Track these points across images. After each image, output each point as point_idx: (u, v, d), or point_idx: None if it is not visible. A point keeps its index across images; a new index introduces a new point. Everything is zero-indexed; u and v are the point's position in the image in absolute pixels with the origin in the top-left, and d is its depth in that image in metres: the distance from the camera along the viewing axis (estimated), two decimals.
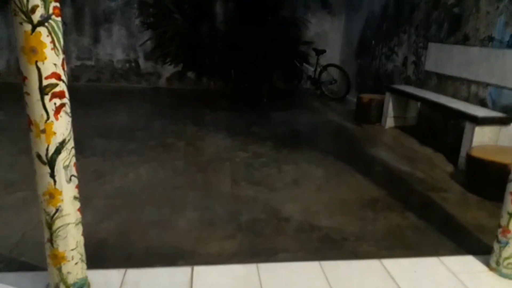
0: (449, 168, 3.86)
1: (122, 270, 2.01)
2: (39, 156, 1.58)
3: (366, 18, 7.10)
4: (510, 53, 3.75)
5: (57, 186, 1.61)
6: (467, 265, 2.21)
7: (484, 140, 3.63)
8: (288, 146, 4.39)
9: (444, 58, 4.79)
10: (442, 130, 4.76)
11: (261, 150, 4.21)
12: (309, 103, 7.12)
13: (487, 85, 4.06)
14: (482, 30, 4.17)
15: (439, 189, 3.36)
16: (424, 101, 4.68)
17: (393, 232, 2.62)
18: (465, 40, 4.43)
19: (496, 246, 2.12)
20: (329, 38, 8.18)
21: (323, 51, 7.64)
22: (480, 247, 2.42)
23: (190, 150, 4.20)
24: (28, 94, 1.50)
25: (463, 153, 3.73)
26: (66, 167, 1.62)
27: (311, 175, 3.61)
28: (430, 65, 5.09)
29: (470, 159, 3.35)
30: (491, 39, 4.03)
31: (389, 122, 5.33)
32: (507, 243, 2.06)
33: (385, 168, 3.91)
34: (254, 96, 7.46)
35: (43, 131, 1.54)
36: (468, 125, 3.73)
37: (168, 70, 8.00)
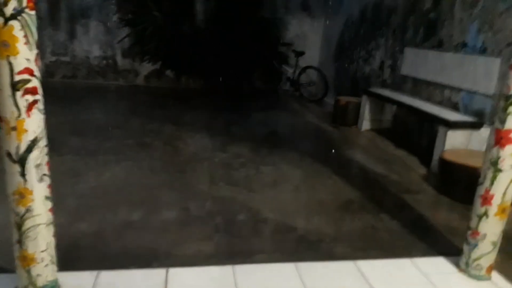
0: (423, 170, 3.95)
1: (94, 272, 1.97)
2: (9, 154, 1.52)
3: (345, 21, 7.20)
4: (481, 59, 3.87)
5: (28, 185, 1.56)
6: (438, 266, 2.27)
7: (456, 143, 3.74)
8: (267, 147, 4.40)
9: (419, 62, 4.90)
10: (416, 133, 4.87)
11: (240, 151, 4.20)
12: (288, 104, 7.16)
13: (460, 90, 4.18)
14: (456, 36, 4.29)
15: (412, 191, 3.44)
16: (399, 104, 4.78)
17: (368, 233, 2.66)
18: (439, 46, 4.55)
19: (465, 248, 2.18)
20: (309, 40, 8.24)
21: (302, 53, 7.70)
22: (450, 248, 2.49)
23: (168, 150, 4.16)
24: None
25: (436, 156, 3.83)
26: (37, 166, 1.57)
27: (289, 176, 3.63)
28: (406, 69, 5.20)
29: (442, 162, 3.44)
30: (464, 45, 4.15)
31: (365, 124, 5.41)
32: (476, 245, 2.12)
33: (361, 170, 3.97)
34: (233, 95, 7.44)
35: (14, 128, 1.49)
36: (441, 129, 3.83)
37: (146, 68, 7.89)
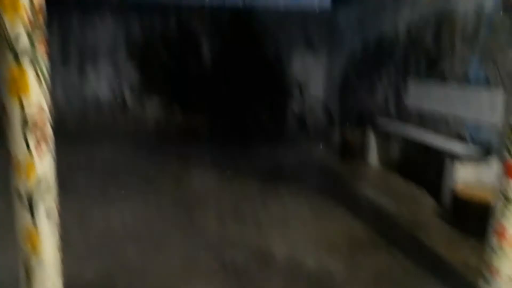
0: (433, 204, 3.89)
1: None
2: (18, 193, 1.54)
3: (348, 55, 7.34)
4: (485, 91, 3.89)
5: (36, 224, 1.56)
6: None
7: (466, 176, 3.69)
8: (274, 183, 4.38)
9: (423, 94, 4.94)
10: (424, 165, 4.83)
11: (247, 186, 4.19)
12: (293, 138, 7.19)
13: (466, 121, 4.18)
14: (458, 68, 4.34)
15: (424, 226, 3.37)
16: (405, 137, 4.78)
17: (381, 272, 2.58)
18: (442, 78, 4.60)
19: (482, 283, 2.11)
20: (313, 74, 8.38)
21: (307, 88, 7.81)
22: (467, 285, 2.40)
23: (175, 187, 4.16)
24: (10, 130, 1.49)
25: (446, 189, 3.77)
26: (46, 205, 1.57)
27: (298, 213, 3.59)
28: (410, 101, 5.24)
29: (453, 195, 3.39)
30: (467, 77, 4.20)
31: (373, 157, 5.39)
32: (492, 280, 2.05)
33: (371, 205, 3.91)
34: (239, 131, 7.51)
35: (24, 168, 1.51)
36: (449, 162, 3.80)
37: (154, 106, 8.04)
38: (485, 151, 3.78)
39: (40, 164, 1.53)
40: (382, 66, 6.04)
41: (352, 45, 7.19)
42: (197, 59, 7.78)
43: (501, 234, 2.01)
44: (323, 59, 8.43)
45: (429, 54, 4.85)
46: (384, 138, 5.36)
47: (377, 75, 6.19)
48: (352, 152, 5.61)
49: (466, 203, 3.21)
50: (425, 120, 4.91)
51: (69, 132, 6.60)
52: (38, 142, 1.51)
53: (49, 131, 1.56)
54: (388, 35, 5.87)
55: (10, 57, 1.42)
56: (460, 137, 4.24)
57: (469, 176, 3.70)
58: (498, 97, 3.71)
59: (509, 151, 1.98)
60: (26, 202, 1.54)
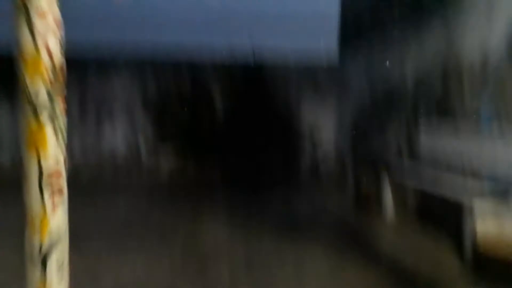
0: (456, 260, 3.70)
1: None
2: (32, 253, 1.53)
3: (359, 107, 7.44)
4: (499, 143, 3.85)
5: (47, 278, 1.53)
6: None
7: (487, 230, 3.54)
8: (290, 237, 4.27)
9: (437, 146, 4.91)
10: (444, 219, 4.67)
11: (262, 242, 4.09)
12: (309, 190, 7.11)
13: (485, 172, 4.10)
14: (471, 119, 4.34)
15: (447, 284, 3.19)
16: (422, 188, 4.68)
17: None
18: (455, 129, 4.59)
19: None
20: (325, 127, 8.45)
21: (320, 139, 7.85)
22: None
23: (188, 244, 4.08)
24: (26, 189, 1.51)
25: (467, 244, 3.61)
26: (58, 264, 1.55)
27: (314, 270, 3.46)
28: (425, 151, 5.19)
29: (476, 251, 3.24)
30: (481, 128, 4.18)
31: (389, 210, 5.26)
32: None
33: (391, 262, 3.75)
34: (253, 183, 7.48)
35: (39, 227, 1.51)
36: (470, 215, 3.67)
37: (169, 161, 8.13)
38: (507, 204, 3.66)
39: (54, 217, 1.53)
40: (392, 114, 6.07)
41: (361, 93, 7.31)
42: (210, 112, 7.97)
43: None
44: (333, 107, 8.53)
45: (440, 101, 4.88)
46: (400, 186, 5.26)
47: (388, 122, 6.21)
48: (367, 201, 5.50)
49: (488, 258, 3.06)
50: (441, 171, 4.83)
51: (84, 185, 6.66)
52: (52, 195, 1.52)
53: (64, 184, 1.57)
54: (397, 83, 5.97)
55: (29, 112, 1.48)
56: (481, 189, 4.13)
57: (491, 230, 3.55)
58: None
59: None
60: (37, 254, 1.52)
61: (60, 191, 1.55)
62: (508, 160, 3.74)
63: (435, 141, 4.95)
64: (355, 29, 7.86)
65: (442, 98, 4.85)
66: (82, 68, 7.89)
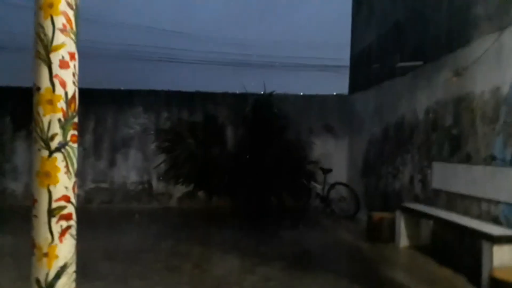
0: None
1: None
2: (37, 282, 1.53)
3: (369, 140, 7.43)
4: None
5: None
6: None
7: (505, 260, 3.43)
8: (300, 268, 4.19)
9: (450, 176, 4.84)
10: (459, 249, 4.55)
11: (271, 273, 4.01)
12: (319, 221, 7.01)
13: (498, 202, 4.01)
14: (482, 149, 4.29)
15: None
16: (435, 219, 4.59)
17: None
18: (468, 159, 4.53)
19: None
20: (334, 158, 8.44)
21: (330, 170, 7.82)
22: None
23: (197, 273, 4.03)
24: (36, 216, 1.53)
25: (484, 275, 3.50)
26: None
27: None
28: (437, 183, 5.12)
29: (494, 282, 3.13)
30: (493, 158, 4.12)
31: (403, 241, 5.14)
32: None
33: None
34: (263, 214, 7.41)
35: (46, 254, 1.52)
36: (485, 245, 3.57)
37: (180, 190, 8.15)
38: None
39: (61, 244, 1.54)
40: (404, 149, 6.04)
41: (372, 129, 7.31)
42: (221, 145, 8.03)
43: None
44: (345, 142, 8.55)
45: (452, 136, 4.85)
46: (414, 220, 5.16)
47: (400, 158, 6.17)
48: (380, 235, 5.38)
49: (506, 286, 2.95)
50: (454, 203, 4.74)
51: (95, 218, 6.68)
52: (62, 232, 1.54)
53: (73, 210, 1.60)
54: (408, 119, 5.97)
55: (40, 140, 1.53)
56: (494, 219, 4.04)
57: (509, 260, 3.44)
58: None
59: None
60: (43, 282, 1.52)
61: (69, 217, 1.57)
62: None
63: (449, 176, 4.88)
64: (364, 75, 7.99)
65: (455, 133, 4.80)
66: (100, 98, 8.11)
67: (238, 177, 7.63)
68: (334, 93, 9.16)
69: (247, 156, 7.66)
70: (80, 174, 1.68)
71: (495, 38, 4.12)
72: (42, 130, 1.54)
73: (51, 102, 1.56)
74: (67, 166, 1.56)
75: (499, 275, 3.12)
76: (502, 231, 3.66)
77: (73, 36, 1.61)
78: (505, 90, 3.97)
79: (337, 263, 4.66)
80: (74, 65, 1.62)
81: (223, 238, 5.57)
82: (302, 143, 8.27)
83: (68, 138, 1.57)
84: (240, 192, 7.77)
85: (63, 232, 1.55)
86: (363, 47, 8.19)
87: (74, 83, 1.62)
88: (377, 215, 5.60)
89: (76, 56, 1.64)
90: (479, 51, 4.37)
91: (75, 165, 1.60)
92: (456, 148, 4.75)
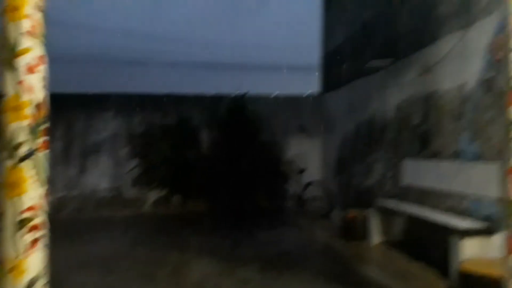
0: (443, 284, 3.70)
1: None
2: None
3: (342, 138, 7.56)
4: (480, 165, 3.94)
5: None
6: None
7: (473, 252, 3.57)
8: (276, 268, 4.20)
9: (419, 172, 4.99)
10: (429, 244, 4.69)
11: (248, 274, 4.01)
12: (294, 220, 7.07)
13: (465, 196, 4.17)
14: (450, 145, 4.45)
15: None
16: (406, 215, 4.72)
17: None
18: (436, 155, 4.69)
19: None
20: (308, 158, 8.54)
21: (303, 170, 7.91)
22: None
23: (173, 280, 3.97)
24: (1, 230, 1.47)
25: (454, 267, 3.62)
26: None
27: None
28: (407, 179, 5.27)
29: (462, 274, 3.25)
30: (459, 153, 4.28)
31: (376, 237, 5.26)
32: None
33: (378, 286, 3.72)
34: (238, 216, 7.40)
35: (12, 269, 1.46)
36: (453, 238, 3.70)
37: (153, 195, 8.03)
38: (490, 226, 3.71)
39: (32, 264, 1.49)
40: (375, 147, 6.18)
41: (344, 128, 7.45)
42: (195, 148, 7.97)
43: None
44: (318, 141, 8.67)
45: (421, 133, 5.01)
46: (386, 217, 5.29)
47: (372, 156, 6.31)
48: (354, 233, 5.48)
49: (475, 281, 3.07)
50: (425, 198, 4.89)
51: (67, 227, 6.48)
52: (31, 243, 1.49)
53: (43, 220, 1.54)
54: (379, 117, 6.11)
55: (8, 147, 1.46)
56: (462, 213, 4.19)
57: (476, 252, 3.58)
58: (493, 171, 3.74)
59: (510, 225, 1.95)
60: None
61: (39, 228, 1.52)
62: (490, 189, 3.81)
63: (419, 172, 5.03)
64: (336, 75, 8.12)
65: (423, 130, 4.96)
66: (68, 102, 7.87)
67: (214, 180, 7.60)
68: (307, 93, 9.28)
69: (222, 159, 7.64)
70: (49, 182, 1.61)
71: (461, 36, 4.29)
72: (7, 139, 1.48)
73: (17, 109, 1.50)
74: (37, 174, 1.50)
75: (467, 267, 3.24)
76: (469, 224, 3.81)
77: (41, 39, 1.56)
78: (470, 87, 4.14)
79: (313, 262, 4.71)
80: (43, 69, 1.57)
81: (199, 242, 5.52)
82: (276, 144, 8.33)
83: (38, 144, 1.51)
84: (215, 195, 7.74)
85: (32, 244, 1.49)
86: (334, 47, 8.33)
87: (43, 87, 1.56)
88: (350, 213, 5.70)
89: (45, 59, 1.59)
90: (445, 49, 4.53)
91: (47, 173, 1.54)
92: (425, 145, 4.91)
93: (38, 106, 1.54)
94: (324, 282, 3.82)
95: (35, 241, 1.50)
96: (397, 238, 5.27)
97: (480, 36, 4.01)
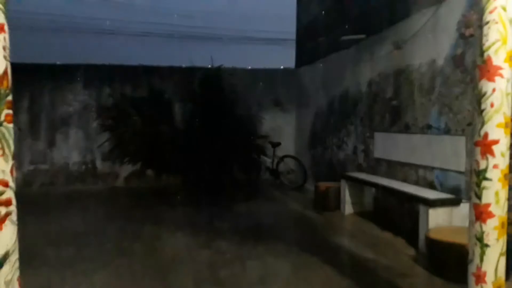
0: (411, 252, 3.88)
1: None
2: None
3: (315, 113, 7.62)
4: (448, 139, 4.08)
5: None
6: None
7: (439, 221, 3.75)
8: (251, 240, 4.28)
9: (390, 145, 5.12)
10: (398, 214, 4.88)
11: (224, 246, 4.07)
12: (269, 193, 7.17)
13: (433, 168, 4.33)
14: (420, 119, 4.57)
15: (404, 274, 3.33)
16: (377, 187, 4.86)
17: None
18: (406, 129, 4.81)
19: None
20: (283, 131, 8.59)
21: (278, 144, 7.97)
22: None
23: (148, 252, 3.98)
24: None
25: (421, 236, 3.80)
26: (8, 282, 1.47)
27: (278, 270, 3.49)
28: (378, 152, 5.41)
29: (429, 242, 3.41)
30: (429, 127, 4.41)
31: (348, 208, 5.42)
32: None
33: (350, 257, 3.87)
34: (214, 189, 7.42)
35: None
36: (421, 208, 3.86)
37: (126, 169, 7.90)
38: (456, 197, 3.88)
39: (2, 239, 1.45)
40: (348, 121, 6.27)
41: (318, 102, 7.49)
42: (168, 121, 7.84)
43: (481, 279, 2.01)
44: (293, 116, 8.71)
45: (392, 107, 5.11)
46: (357, 189, 5.44)
47: (344, 130, 6.41)
48: (327, 204, 5.62)
49: (443, 249, 3.23)
50: (394, 170, 5.05)
51: (37, 201, 6.32)
52: (1, 219, 1.44)
53: (12, 195, 1.49)
54: (352, 91, 6.18)
55: None
56: (429, 184, 4.36)
57: (443, 222, 3.75)
58: (460, 144, 3.89)
59: (477, 196, 2.04)
60: None
61: (8, 203, 1.47)
62: (457, 162, 3.96)
63: (389, 145, 5.16)
64: (311, 49, 8.07)
65: (394, 105, 5.05)
66: (35, 79, 7.53)
67: (188, 154, 7.53)
68: (281, 67, 9.22)
69: (196, 132, 7.56)
70: (17, 156, 1.54)
71: (433, 12, 4.33)
72: None
73: None
74: (2, 148, 1.44)
75: (434, 235, 3.39)
76: (436, 194, 3.97)
77: (1, 6, 1.46)
78: (440, 62, 4.23)
79: (287, 233, 4.83)
80: (3, 37, 1.47)
81: (174, 216, 5.53)
82: (251, 118, 8.30)
83: (2, 118, 1.44)
84: (190, 169, 7.69)
85: (2, 219, 1.45)
86: (309, 20, 8.26)
87: (5, 57, 1.47)
88: (323, 185, 5.83)
89: (6, 28, 1.49)
90: (418, 25, 4.58)
91: (12, 147, 1.48)
92: (396, 119, 5.02)
93: (0, 77, 1.45)
94: (297, 251, 3.93)
95: (5, 216, 1.45)
96: (368, 209, 5.45)
97: (451, 12, 4.07)
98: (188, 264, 3.60)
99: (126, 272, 3.41)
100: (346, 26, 6.39)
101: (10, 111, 1.48)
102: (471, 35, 3.75)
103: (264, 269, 3.50)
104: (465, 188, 3.81)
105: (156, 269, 3.49)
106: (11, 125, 1.48)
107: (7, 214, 1.47)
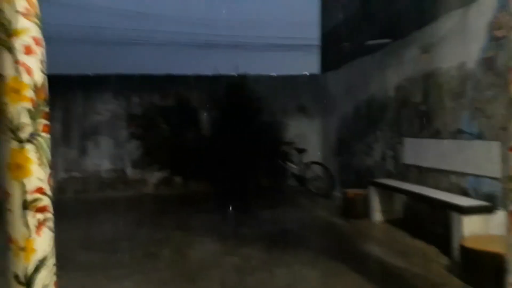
0: (444, 260, 3.76)
1: None
2: (16, 277, 1.49)
3: (341, 118, 7.54)
4: (480, 144, 3.95)
5: None
6: None
7: (474, 229, 3.62)
8: (279, 247, 4.26)
9: (420, 151, 5.00)
10: (430, 221, 4.74)
11: (251, 253, 4.07)
12: (295, 200, 7.12)
13: (466, 175, 4.19)
14: (450, 124, 4.44)
15: (437, 284, 3.23)
16: (407, 193, 4.75)
17: None
18: (437, 134, 4.69)
19: None
20: (309, 138, 8.54)
21: (304, 150, 7.93)
22: None
23: (177, 259, 4.03)
24: (10, 210, 1.48)
25: (455, 244, 3.67)
26: (45, 287, 1.52)
27: (306, 277, 3.46)
28: (408, 158, 5.28)
29: (464, 250, 3.29)
30: (460, 131, 4.28)
31: (377, 216, 5.31)
32: None
33: (381, 265, 3.78)
34: (240, 195, 7.46)
35: (23, 249, 1.48)
36: (455, 216, 3.73)
37: (155, 176, 8.07)
38: (491, 204, 3.74)
39: (39, 237, 1.50)
40: (375, 127, 6.17)
41: (343, 108, 7.42)
42: (195, 129, 7.96)
43: None
44: (318, 122, 8.65)
45: (421, 112, 4.99)
46: (386, 196, 5.32)
47: (372, 136, 6.30)
48: (355, 211, 5.53)
49: (478, 258, 3.11)
50: (425, 177, 4.91)
51: (71, 208, 6.53)
52: (39, 225, 1.50)
53: (49, 202, 1.55)
54: (379, 96, 6.08)
55: (10, 132, 1.45)
56: (462, 191, 4.22)
57: (478, 230, 3.62)
58: (494, 150, 3.75)
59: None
60: (22, 277, 1.48)
61: (45, 210, 1.53)
62: (491, 168, 3.83)
63: (419, 151, 5.04)
64: (335, 54, 8.01)
65: (424, 109, 4.93)
66: (67, 90, 7.81)
67: (214, 161, 7.62)
68: (306, 73, 9.20)
69: (222, 139, 7.64)
70: (52, 163, 1.62)
71: (461, 14, 4.22)
72: (10, 120, 1.47)
73: (17, 91, 1.49)
74: (40, 158, 1.50)
75: (469, 244, 3.27)
76: (470, 202, 3.84)
77: (37, 21, 1.53)
78: (470, 65, 4.11)
79: (315, 240, 4.77)
80: (41, 52, 1.54)
81: (202, 222, 5.58)
82: (276, 125, 8.31)
83: (39, 128, 1.50)
84: (216, 175, 7.77)
85: (40, 225, 1.50)
86: (333, 26, 8.21)
87: (42, 71, 1.54)
88: (351, 192, 5.74)
89: (42, 42, 1.56)
90: (446, 27, 4.47)
91: (49, 157, 1.54)
92: (426, 124, 4.90)
93: (38, 90, 1.52)
94: (325, 259, 3.88)
95: (42, 223, 1.51)
96: (398, 216, 5.32)
97: (481, 13, 3.95)
98: (216, 270, 3.62)
99: (155, 277, 3.46)
100: (372, 31, 6.32)
101: (47, 122, 1.54)
102: (504, 37, 3.63)
103: (292, 276, 3.48)
104: (501, 195, 3.66)
105: (184, 275, 3.52)
106: (47, 135, 1.54)
107: (45, 221, 1.52)
